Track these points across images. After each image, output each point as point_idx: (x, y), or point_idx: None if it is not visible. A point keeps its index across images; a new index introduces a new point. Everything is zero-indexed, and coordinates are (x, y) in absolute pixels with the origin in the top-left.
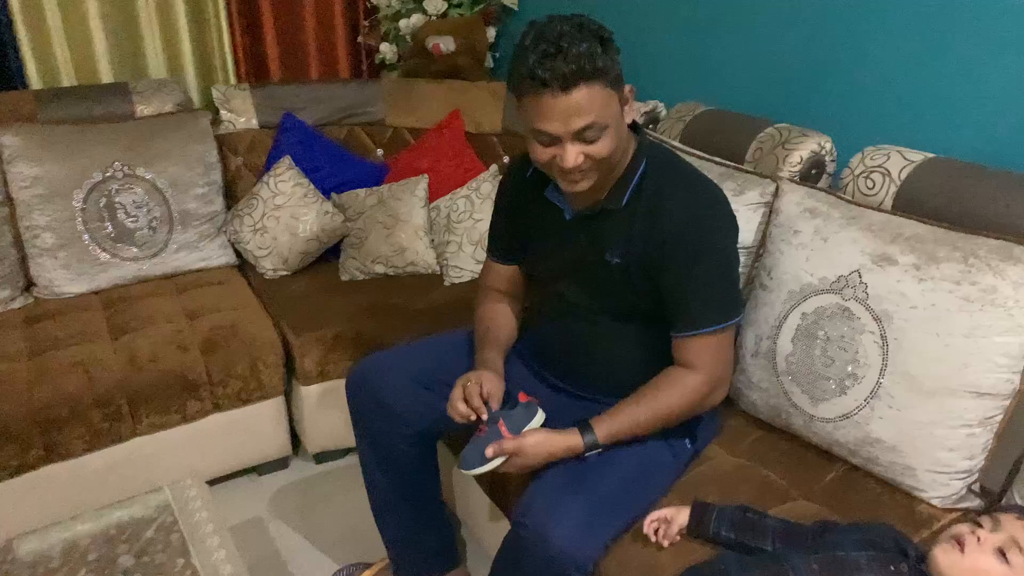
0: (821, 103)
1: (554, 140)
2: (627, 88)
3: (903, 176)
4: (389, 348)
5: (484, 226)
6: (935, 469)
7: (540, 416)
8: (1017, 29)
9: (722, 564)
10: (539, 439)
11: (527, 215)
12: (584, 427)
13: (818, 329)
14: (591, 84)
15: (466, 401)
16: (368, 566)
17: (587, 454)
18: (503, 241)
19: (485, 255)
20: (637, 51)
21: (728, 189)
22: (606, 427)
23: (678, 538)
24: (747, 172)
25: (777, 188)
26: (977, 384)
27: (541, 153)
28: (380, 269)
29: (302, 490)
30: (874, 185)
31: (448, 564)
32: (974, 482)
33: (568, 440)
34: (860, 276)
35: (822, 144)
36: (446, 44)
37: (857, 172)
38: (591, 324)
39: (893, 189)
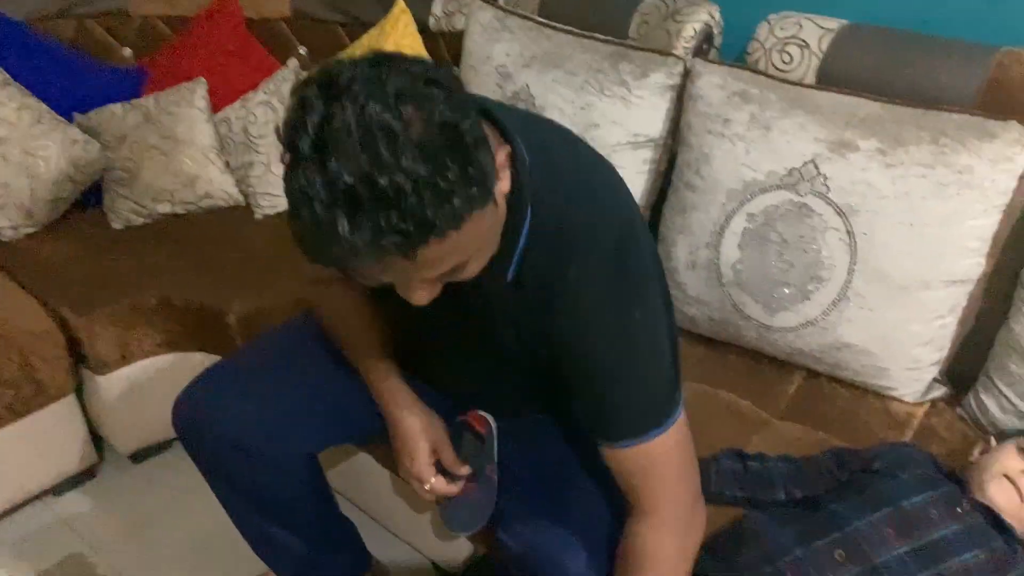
0: None
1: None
2: (501, 157)
3: (824, 47)
4: (217, 367)
5: None
6: (909, 367)
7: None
8: None
9: (753, 524)
10: None
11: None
12: None
13: (770, 231)
14: (439, 240)
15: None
16: None
17: None
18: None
19: None
20: None
21: (625, 72)
22: None
23: None
24: (646, 51)
25: (687, 68)
26: (951, 272)
27: (368, 282)
28: (166, 208)
29: (123, 502)
30: (791, 59)
31: (360, 568)
32: (939, 371)
33: None
34: (816, 167)
35: (712, 14)
36: None
37: (768, 45)
38: (487, 381)
39: (815, 62)
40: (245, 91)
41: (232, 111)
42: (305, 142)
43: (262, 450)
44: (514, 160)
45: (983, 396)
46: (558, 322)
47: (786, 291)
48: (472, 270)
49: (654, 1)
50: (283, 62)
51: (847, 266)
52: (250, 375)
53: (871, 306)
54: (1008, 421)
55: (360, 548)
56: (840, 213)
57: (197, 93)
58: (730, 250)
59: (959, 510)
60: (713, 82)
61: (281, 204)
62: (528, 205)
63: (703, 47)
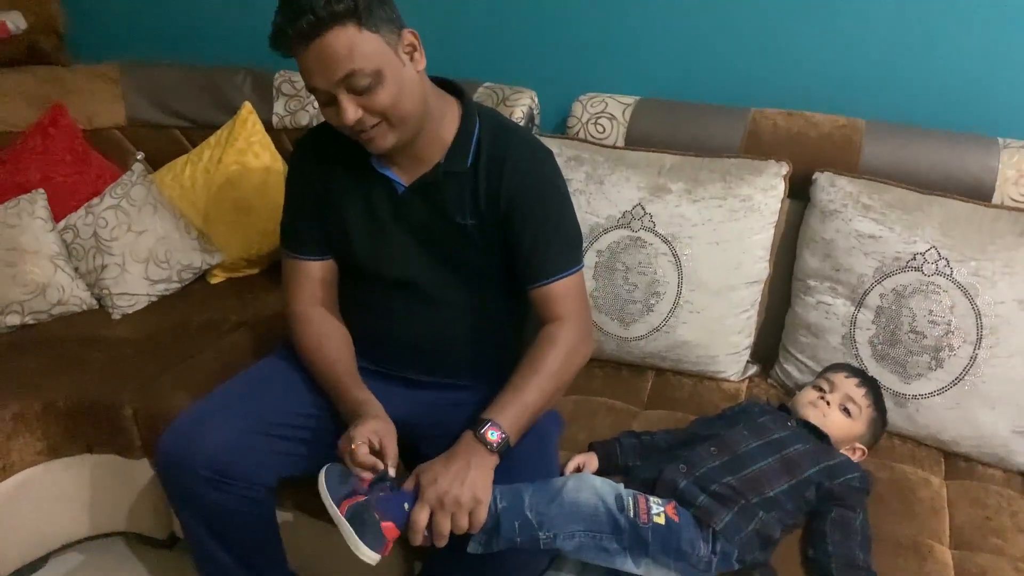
0: (514, 60)
1: (330, 97)
2: (406, 32)
3: (627, 117)
4: (195, 405)
5: (149, 240)
6: (730, 352)
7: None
8: None
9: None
10: (441, 473)
11: (342, 198)
12: (480, 425)
13: (616, 262)
14: (342, 26)
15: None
16: None
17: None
18: (312, 233)
19: (286, 259)
20: None
21: None
22: (510, 420)
23: None
24: None
25: None
26: (748, 276)
27: (327, 115)
28: (15, 320)
29: None
30: (604, 129)
31: None
32: (750, 353)
33: (481, 460)
34: (643, 208)
35: (532, 98)
36: (14, 21)
37: (585, 119)
38: (444, 304)
39: (622, 130)
40: (86, 199)
41: (77, 218)
42: None
43: (235, 475)
44: (463, 95)
45: (785, 365)
46: (507, 187)
47: (635, 307)
48: (383, 96)
49: (485, 90)
50: (123, 168)
51: (677, 281)
52: (227, 408)
53: (698, 309)
54: (804, 378)
55: None
56: (666, 241)
57: (37, 204)
58: (587, 282)
59: (789, 424)
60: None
61: (140, 302)
62: (476, 119)
63: (530, 125)
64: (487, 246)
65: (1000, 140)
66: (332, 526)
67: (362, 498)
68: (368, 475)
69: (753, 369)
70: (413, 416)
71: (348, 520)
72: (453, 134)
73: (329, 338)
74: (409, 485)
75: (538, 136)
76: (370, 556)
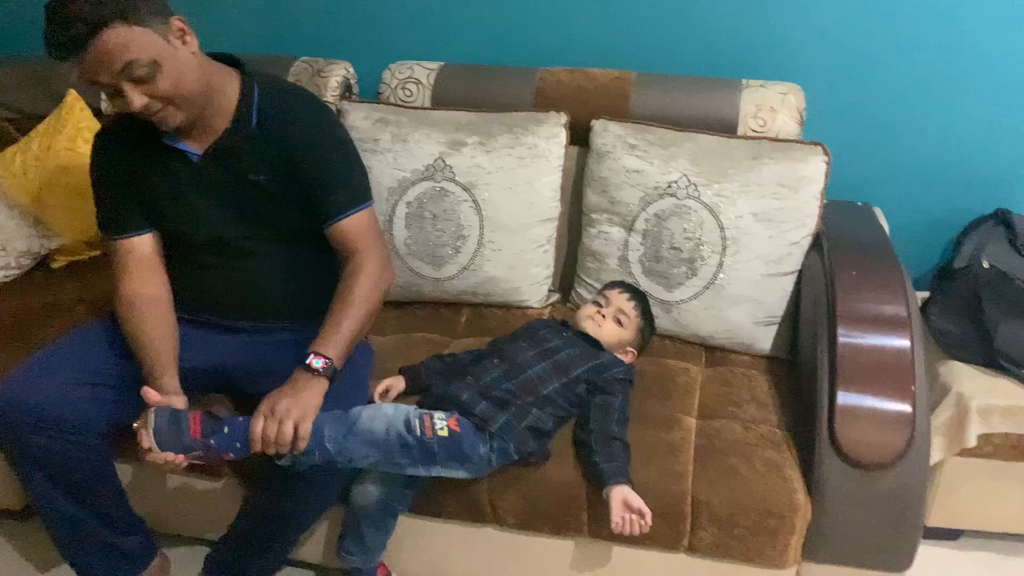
0: (330, 34)
1: (116, 89)
2: (174, 19)
3: (432, 81)
4: (26, 361)
5: None
6: (532, 283)
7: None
8: None
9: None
10: (275, 393)
11: (145, 174)
12: (307, 358)
13: (424, 211)
14: (111, 27)
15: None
16: None
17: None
18: (126, 210)
19: (106, 244)
20: None
21: None
22: (332, 348)
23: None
24: None
25: (338, 109)
26: (541, 214)
27: (116, 104)
28: None
29: None
30: (412, 93)
31: (147, 558)
32: (550, 283)
33: (310, 383)
34: (444, 161)
35: (347, 69)
36: None
37: (394, 85)
38: (255, 255)
39: (428, 93)
40: None
41: None
42: None
43: (64, 422)
44: (240, 64)
45: (578, 289)
46: (292, 141)
47: (445, 251)
48: (164, 83)
49: (301, 65)
50: None
51: (479, 224)
52: (53, 361)
53: (500, 247)
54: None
55: (148, 536)
56: (466, 189)
57: None
58: (400, 231)
59: (565, 334)
60: (360, 115)
61: None
62: (255, 85)
63: (346, 94)
64: (283, 198)
65: (743, 81)
66: (168, 475)
67: (199, 454)
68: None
69: (555, 296)
70: (237, 360)
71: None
72: (236, 101)
73: (147, 323)
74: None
75: (352, 103)
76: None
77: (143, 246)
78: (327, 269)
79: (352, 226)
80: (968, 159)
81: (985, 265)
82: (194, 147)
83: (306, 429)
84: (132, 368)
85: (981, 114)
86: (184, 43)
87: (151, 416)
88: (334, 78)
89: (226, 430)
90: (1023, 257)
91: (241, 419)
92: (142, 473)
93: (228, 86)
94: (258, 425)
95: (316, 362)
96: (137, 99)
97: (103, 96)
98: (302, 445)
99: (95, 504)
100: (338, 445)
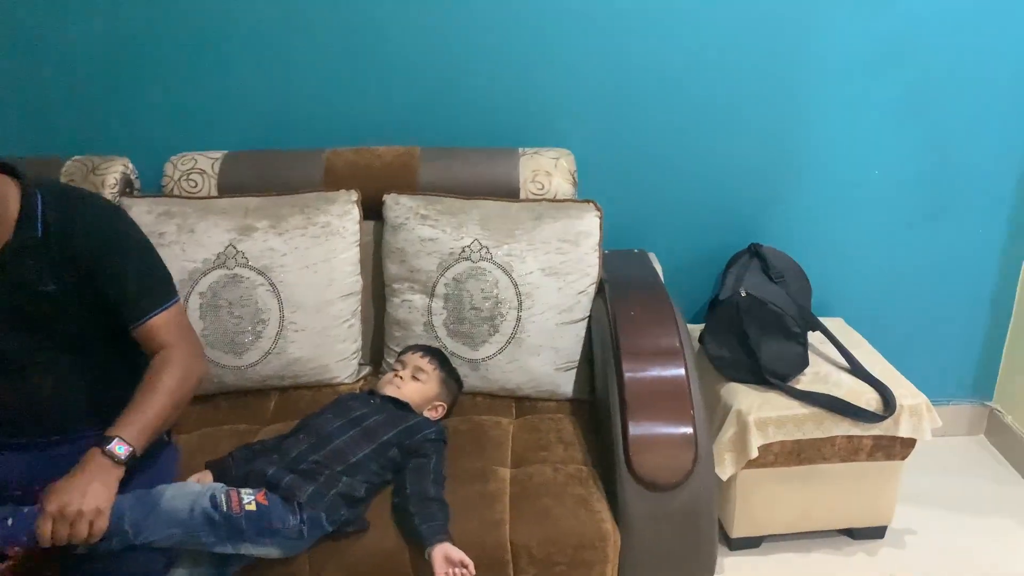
0: (106, 130)
1: None
2: None
3: (217, 170)
4: None
5: None
6: (340, 359)
7: None
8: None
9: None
10: (64, 486)
11: None
12: (106, 441)
13: (219, 299)
14: None
15: None
16: None
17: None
18: None
19: None
20: None
21: None
22: (135, 434)
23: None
24: None
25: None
26: (342, 289)
27: None
28: None
29: None
30: (197, 184)
31: None
32: (360, 356)
33: (104, 471)
34: (235, 247)
35: (126, 164)
36: None
37: (177, 177)
38: (37, 368)
39: (213, 182)
40: None
41: None
42: None
43: None
44: (19, 174)
45: (388, 359)
46: (82, 249)
47: (244, 337)
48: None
49: (73, 164)
50: None
51: (278, 307)
52: None
53: (302, 328)
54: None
55: None
56: (261, 273)
57: None
58: (195, 322)
59: (372, 401)
60: (143, 210)
61: None
62: (37, 192)
63: (127, 190)
64: (74, 306)
65: (519, 149)
66: None
67: None
68: None
69: (367, 369)
70: (15, 476)
71: None
72: (16, 212)
73: None
74: (38, 506)
75: (134, 198)
76: None
77: None
78: (116, 376)
79: (158, 325)
80: (723, 201)
81: (743, 294)
82: None
83: (101, 527)
84: None
85: (729, 158)
86: None
87: None
88: (111, 175)
89: (10, 522)
90: (775, 284)
91: (26, 510)
92: None
93: (9, 196)
94: (46, 527)
95: (119, 448)
96: None
97: None
98: (96, 535)
99: None
100: (137, 527)
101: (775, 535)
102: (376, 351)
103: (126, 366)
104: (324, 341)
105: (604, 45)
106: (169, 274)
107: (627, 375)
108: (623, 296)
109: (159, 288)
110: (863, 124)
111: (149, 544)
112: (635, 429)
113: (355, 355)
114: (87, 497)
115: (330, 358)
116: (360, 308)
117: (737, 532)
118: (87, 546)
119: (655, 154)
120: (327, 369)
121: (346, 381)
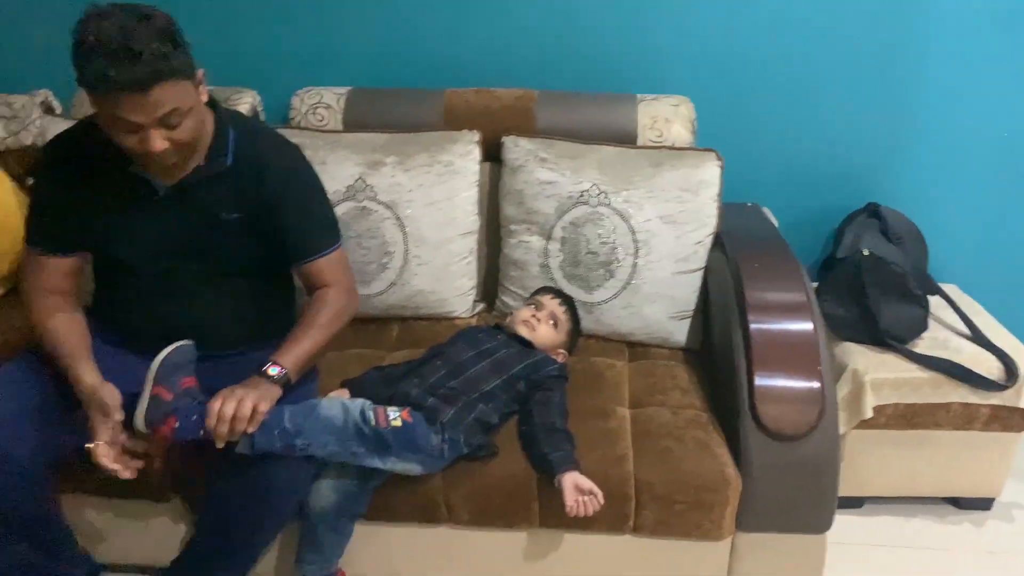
0: (235, 63)
1: (137, 127)
2: (199, 72)
3: (342, 105)
4: None
5: None
6: (457, 294)
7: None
8: None
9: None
10: (228, 392)
11: (97, 195)
12: (270, 366)
13: (348, 231)
14: (168, 81)
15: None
16: None
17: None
18: (60, 230)
19: (29, 253)
20: None
21: None
22: (290, 360)
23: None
24: None
25: None
26: (461, 228)
27: (124, 138)
28: None
29: None
30: (323, 118)
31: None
32: (476, 293)
33: (254, 381)
34: (364, 181)
35: (253, 96)
36: None
37: (303, 111)
38: (204, 288)
39: (339, 117)
40: None
41: None
42: (91, 32)
43: (11, 459)
44: (213, 100)
45: (503, 297)
46: (269, 187)
47: (371, 268)
48: (186, 130)
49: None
50: None
51: (403, 240)
52: None
53: (424, 261)
54: (518, 304)
55: (95, 568)
56: (388, 207)
57: None
58: None
59: (500, 337)
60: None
61: None
62: (231, 126)
63: None
64: (250, 237)
65: (638, 96)
66: (113, 501)
67: (169, 396)
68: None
69: (481, 306)
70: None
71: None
72: (210, 139)
73: (68, 325)
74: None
75: None
76: (140, 423)
77: (62, 266)
78: (272, 297)
79: (324, 264)
80: (841, 157)
81: (865, 253)
82: (162, 180)
83: (263, 410)
84: (66, 400)
85: (847, 114)
86: (201, 92)
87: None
88: (242, 106)
89: (194, 418)
90: (894, 245)
91: (194, 418)
92: (85, 505)
93: (207, 123)
94: (217, 402)
95: (272, 370)
96: (160, 142)
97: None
98: (257, 421)
99: (41, 539)
100: (298, 427)
101: (878, 496)
102: (488, 289)
103: (279, 294)
104: (444, 276)
105: None
106: (336, 218)
107: (753, 327)
108: (744, 249)
109: (330, 230)
110: (991, 82)
111: (307, 450)
112: (761, 380)
113: (471, 291)
114: (247, 399)
115: (449, 292)
116: (476, 247)
117: (841, 491)
118: (249, 440)
119: (771, 106)
120: (446, 303)
121: (462, 316)
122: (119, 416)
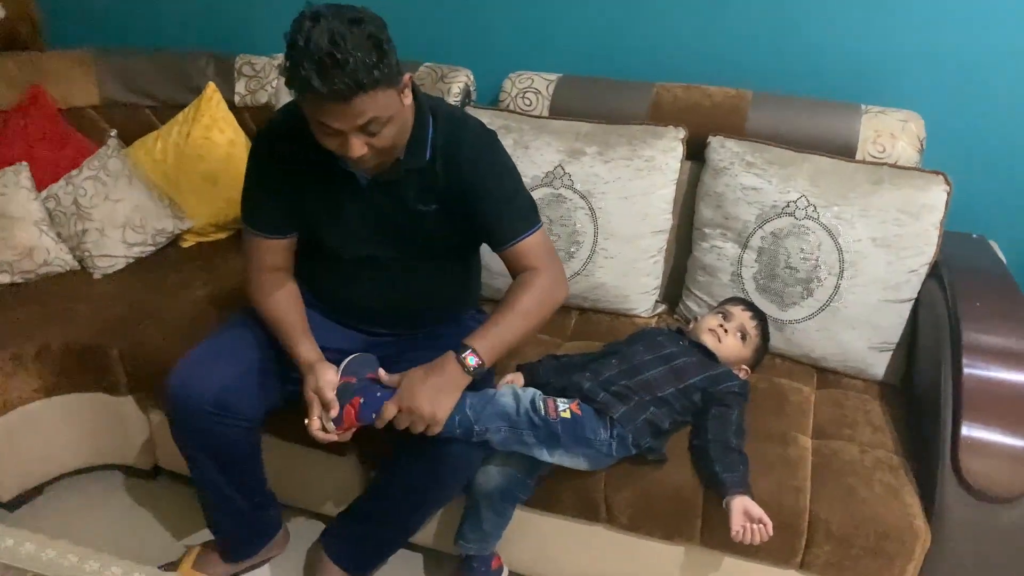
0: (452, 42)
1: (338, 132)
2: (405, 77)
3: (550, 91)
4: (193, 352)
5: (126, 208)
6: (641, 292)
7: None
8: None
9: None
10: (420, 388)
11: (304, 184)
12: (462, 350)
13: (541, 216)
14: (371, 91)
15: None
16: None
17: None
18: (274, 214)
19: (246, 233)
20: None
21: None
22: (489, 350)
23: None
24: None
25: None
26: (654, 225)
27: (326, 140)
28: (5, 279)
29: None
30: (531, 103)
31: (274, 530)
32: (658, 293)
33: (454, 380)
34: (563, 168)
35: (468, 76)
36: None
37: (513, 94)
38: (405, 272)
39: (547, 103)
40: (65, 171)
41: (58, 188)
42: (301, 35)
43: (235, 410)
44: (417, 94)
45: (687, 301)
46: (465, 176)
47: (558, 255)
48: (386, 137)
49: (426, 70)
50: (98, 144)
51: (593, 231)
52: (220, 352)
53: (612, 255)
54: (703, 311)
55: (278, 510)
56: (583, 197)
57: (22, 175)
58: None
59: (681, 343)
60: (484, 121)
61: (119, 263)
62: (430, 119)
63: (466, 100)
64: (447, 226)
65: (862, 106)
66: (299, 448)
67: (353, 380)
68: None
69: (662, 307)
70: (381, 352)
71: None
72: (410, 133)
73: (286, 299)
74: (394, 381)
75: (473, 109)
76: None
77: (275, 246)
78: (464, 275)
79: (523, 249)
80: None
81: None
82: (364, 172)
83: (441, 419)
84: (280, 355)
85: None
86: (405, 96)
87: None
88: (456, 84)
89: (379, 394)
90: None
91: (379, 394)
92: (274, 449)
93: (409, 122)
94: (391, 411)
95: (471, 359)
96: (359, 148)
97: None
98: (433, 431)
99: (243, 480)
100: (477, 414)
101: None
102: (671, 291)
103: (471, 271)
104: (630, 272)
105: (962, 3)
106: (533, 201)
107: (967, 371)
108: (965, 283)
109: (528, 213)
110: None
111: (483, 435)
112: (969, 430)
113: (655, 291)
114: (434, 406)
115: (632, 289)
116: (665, 247)
117: None
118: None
119: (1009, 134)
120: (627, 300)
121: (642, 314)
122: (331, 402)
